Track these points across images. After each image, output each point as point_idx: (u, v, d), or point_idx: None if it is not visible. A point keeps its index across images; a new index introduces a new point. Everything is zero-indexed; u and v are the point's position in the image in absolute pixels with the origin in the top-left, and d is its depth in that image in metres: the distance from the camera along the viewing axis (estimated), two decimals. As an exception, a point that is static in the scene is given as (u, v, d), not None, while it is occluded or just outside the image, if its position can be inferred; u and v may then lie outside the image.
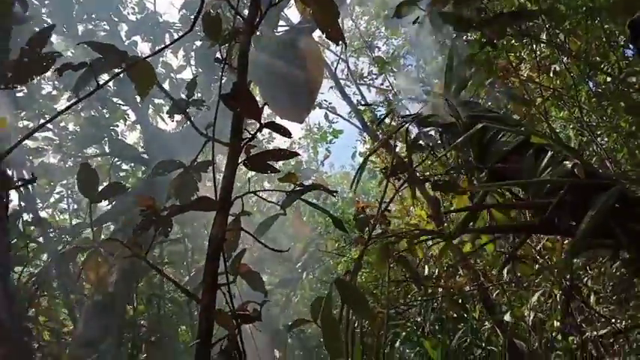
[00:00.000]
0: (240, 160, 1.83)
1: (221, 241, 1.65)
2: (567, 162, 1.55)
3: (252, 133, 1.83)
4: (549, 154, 1.64)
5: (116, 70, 1.87)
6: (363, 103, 6.73)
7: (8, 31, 1.62)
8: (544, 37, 4.66)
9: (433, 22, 1.94)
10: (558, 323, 3.67)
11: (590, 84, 4.49)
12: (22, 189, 4.21)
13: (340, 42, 1.89)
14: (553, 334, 3.63)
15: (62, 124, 5.57)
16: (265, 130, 1.89)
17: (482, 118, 1.87)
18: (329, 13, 1.76)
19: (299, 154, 1.82)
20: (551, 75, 4.55)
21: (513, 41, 5.30)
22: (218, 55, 2.09)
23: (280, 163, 2.32)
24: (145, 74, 1.92)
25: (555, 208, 1.52)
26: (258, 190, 1.98)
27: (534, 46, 4.91)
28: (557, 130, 4.31)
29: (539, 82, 4.08)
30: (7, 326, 1.48)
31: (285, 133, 1.84)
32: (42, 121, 4.88)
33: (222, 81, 2.03)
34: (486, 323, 4.19)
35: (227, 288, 1.71)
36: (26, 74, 1.60)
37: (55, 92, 5.04)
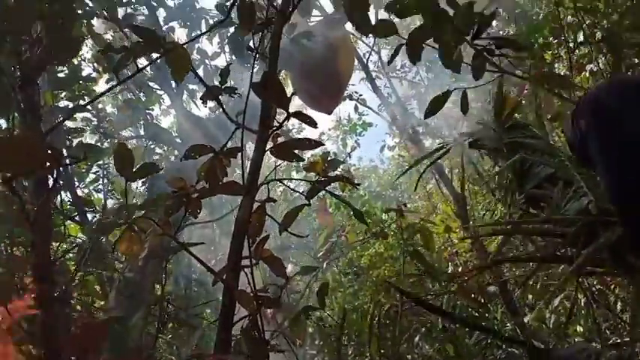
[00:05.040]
0: (267, 148, 1.90)
1: (246, 224, 1.73)
2: (584, 198, 1.61)
3: (279, 122, 1.89)
4: (574, 187, 1.72)
5: (154, 55, 1.95)
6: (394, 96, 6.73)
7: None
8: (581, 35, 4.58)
9: (411, 53, 2.00)
10: (581, 328, 3.63)
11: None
12: (60, 167, 4.37)
13: (371, 34, 1.93)
14: (575, 339, 3.60)
15: (100, 105, 5.76)
16: (296, 121, 1.95)
17: (522, 146, 2.00)
18: (358, 5, 1.79)
19: (323, 144, 1.87)
20: (587, 75, 4.47)
21: (551, 38, 5.22)
22: (251, 43, 2.15)
23: (309, 153, 2.39)
24: (181, 60, 2.00)
25: (570, 241, 1.57)
26: (284, 179, 2.04)
27: (572, 44, 4.83)
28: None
29: (573, 82, 4.01)
30: (48, 295, 1.58)
31: (311, 123, 1.89)
32: (82, 102, 5.04)
33: (255, 69, 2.09)
34: (508, 325, 4.17)
35: (250, 270, 1.78)
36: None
37: (94, 74, 5.21)
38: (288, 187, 2.21)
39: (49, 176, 1.57)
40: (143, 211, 1.87)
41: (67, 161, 3.65)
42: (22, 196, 1.32)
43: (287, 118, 1.81)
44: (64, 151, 4.41)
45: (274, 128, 1.82)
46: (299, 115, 1.83)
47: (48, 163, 1.27)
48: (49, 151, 1.29)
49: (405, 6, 1.91)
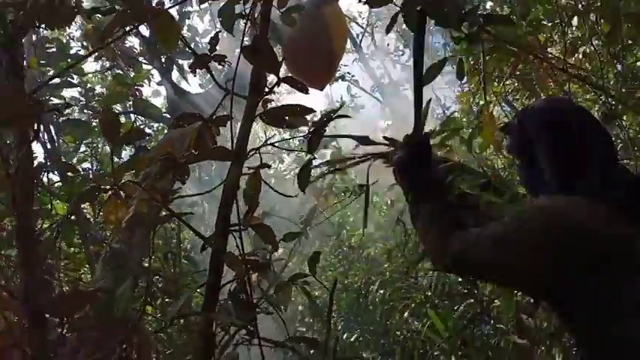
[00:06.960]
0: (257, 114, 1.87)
1: (234, 189, 1.70)
2: None
3: (269, 87, 1.86)
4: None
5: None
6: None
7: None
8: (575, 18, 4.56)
9: (407, 17, 1.94)
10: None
11: (619, 67, 4.39)
12: (47, 144, 4.32)
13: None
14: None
15: (89, 85, 5.67)
16: (288, 99, 1.92)
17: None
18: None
19: (315, 111, 1.85)
20: (580, 57, 4.46)
21: (544, 21, 5.20)
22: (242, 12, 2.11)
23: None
24: (170, 29, 1.96)
25: None
26: (276, 142, 2.00)
27: (565, 27, 4.81)
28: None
29: (566, 62, 4.01)
30: (31, 256, 1.56)
31: (303, 89, 1.87)
32: (70, 79, 4.95)
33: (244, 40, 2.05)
34: (496, 301, 4.20)
35: (239, 235, 1.76)
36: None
37: (82, 52, 5.12)
38: (283, 148, 2.18)
39: (30, 130, 1.53)
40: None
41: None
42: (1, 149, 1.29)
43: (277, 84, 1.79)
44: (51, 127, 4.35)
45: (265, 93, 1.79)
46: (290, 81, 1.81)
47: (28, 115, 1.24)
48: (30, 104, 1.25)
49: None
